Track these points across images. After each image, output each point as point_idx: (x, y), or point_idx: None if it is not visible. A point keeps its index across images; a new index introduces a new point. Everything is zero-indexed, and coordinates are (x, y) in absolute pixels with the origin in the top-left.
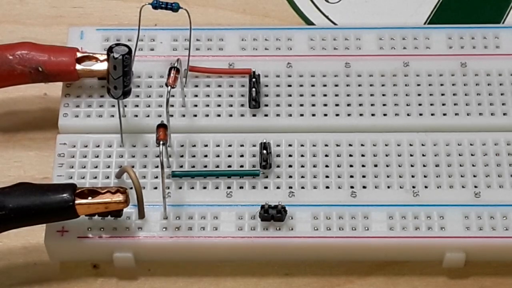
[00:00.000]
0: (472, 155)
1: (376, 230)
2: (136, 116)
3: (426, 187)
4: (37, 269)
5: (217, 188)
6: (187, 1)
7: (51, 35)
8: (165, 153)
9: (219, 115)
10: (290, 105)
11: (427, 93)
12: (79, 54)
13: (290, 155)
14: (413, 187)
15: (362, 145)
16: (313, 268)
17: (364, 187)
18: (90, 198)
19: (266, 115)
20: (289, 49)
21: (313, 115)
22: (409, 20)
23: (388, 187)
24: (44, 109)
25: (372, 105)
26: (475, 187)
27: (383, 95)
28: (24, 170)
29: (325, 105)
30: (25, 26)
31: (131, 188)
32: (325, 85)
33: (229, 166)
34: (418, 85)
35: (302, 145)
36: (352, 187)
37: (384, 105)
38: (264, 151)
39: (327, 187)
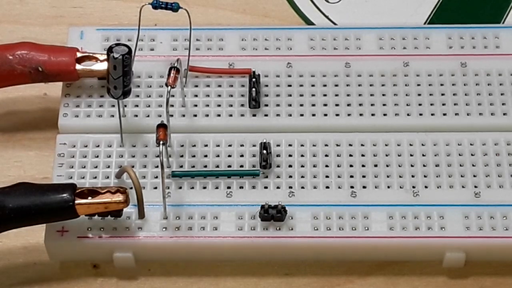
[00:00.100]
0: (472, 155)
1: (376, 230)
2: (136, 116)
3: (426, 187)
4: (37, 269)
5: (217, 188)
6: (187, 1)
7: (51, 35)
8: (165, 153)
9: (219, 115)
10: (290, 105)
11: (427, 93)
12: (79, 54)
13: (290, 155)
14: (413, 187)
15: (362, 145)
16: (313, 268)
17: (364, 187)
18: (90, 198)
19: (266, 115)
20: (289, 49)
21: (313, 115)
22: (409, 20)
23: (388, 187)
24: (44, 109)
25: (372, 105)
26: (475, 187)
27: (383, 95)
28: (24, 170)
29: (325, 105)
30: (25, 26)
31: (131, 188)
32: (325, 85)
33: (229, 166)
34: (418, 85)
35: (302, 145)
36: (352, 187)
37: (384, 105)
38: (264, 151)
39: (327, 187)
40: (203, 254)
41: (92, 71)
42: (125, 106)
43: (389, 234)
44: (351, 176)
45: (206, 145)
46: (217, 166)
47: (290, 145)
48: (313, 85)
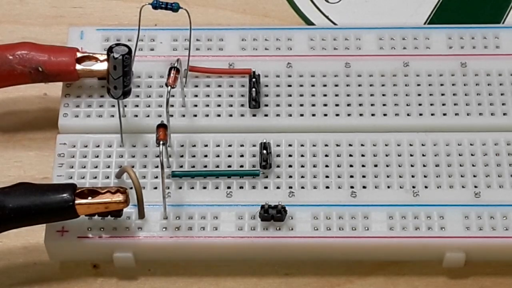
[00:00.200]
0: (472, 155)
1: (376, 230)
2: (136, 116)
3: (426, 187)
4: (37, 269)
5: (217, 188)
6: (187, 1)
7: (51, 35)
8: (165, 153)
9: (219, 115)
10: (290, 105)
11: (427, 93)
12: (79, 54)
13: (290, 155)
14: (413, 187)
15: (362, 145)
16: (313, 268)
17: (364, 187)
18: (90, 198)
19: (266, 115)
20: (289, 49)
21: (313, 115)
22: (409, 20)
23: (388, 187)
24: (44, 109)
25: (372, 105)
26: (475, 187)
27: (383, 95)
28: (24, 170)
29: (325, 105)
30: (25, 26)
31: (131, 188)
32: (325, 85)
33: (229, 166)
34: (418, 85)
35: (302, 145)
36: (352, 187)
37: (384, 105)
38: (264, 151)
39: (327, 187)
40: (203, 254)
41: (92, 71)
42: (125, 106)
43: (389, 234)
44: (351, 176)
45: (206, 145)
46: (217, 166)
47: (290, 145)
48: (313, 85)
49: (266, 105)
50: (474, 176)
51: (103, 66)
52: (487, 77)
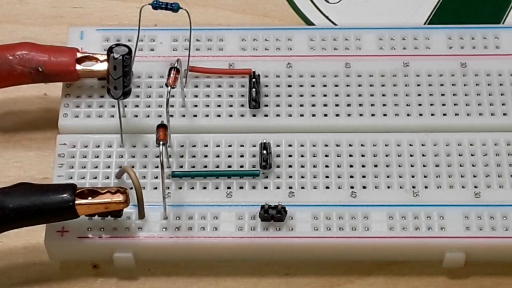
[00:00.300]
0: (472, 155)
1: (376, 230)
2: (136, 116)
3: (426, 187)
4: (37, 269)
5: (217, 188)
6: (187, 1)
7: (51, 35)
8: (165, 153)
9: (219, 115)
10: (290, 105)
11: (427, 93)
12: (79, 54)
13: (290, 155)
14: (413, 187)
15: (362, 145)
16: (313, 268)
17: (364, 187)
18: (90, 198)
19: (266, 115)
20: (289, 49)
21: (313, 115)
22: (409, 20)
23: (388, 187)
24: (44, 109)
25: (372, 105)
26: (475, 187)
27: (383, 95)
28: (24, 170)
29: (325, 105)
30: (25, 26)
31: (131, 188)
32: (325, 85)
33: (229, 166)
34: (418, 85)
35: (302, 145)
36: (352, 187)
37: (384, 105)
38: (264, 151)
39: (327, 187)
40: (203, 254)
41: (92, 72)
42: (125, 106)
43: (389, 234)
44: (351, 176)
45: (206, 145)
46: (217, 166)
47: (290, 145)
48: (313, 85)
49: (266, 105)
50: (474, 176)
51: (103, 66)
52: (487, 77)
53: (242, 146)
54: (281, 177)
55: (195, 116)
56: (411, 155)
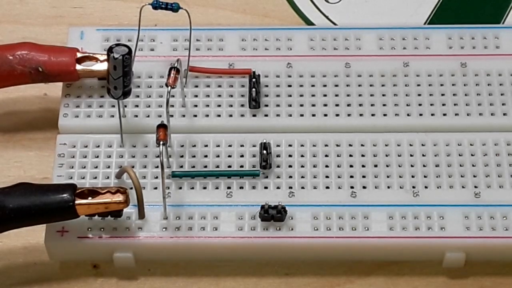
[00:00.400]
0: (472, 155)
1: (376, 230)
2: (136, 116)
3: (426, 187)
4: (37, 269)
5: (217, 188)
6: (187, 1)
7: (51, 35)
8: (165, 153)
9: (219, 115)
10: (290, 105)
11: (427, 93)
12: (79, 54)
13: (290, 155)
14: (413, 187)
15: (362, 145)
16: (313, 268)
17: (364, 187)
18: (90, 198)
19: (266, 115)
20: (289, 49)
21: (313, 115)
22: (409, 20)
23: (388, 187)
24: (44, 109)
25: (372, 105)
26: (475, 187)
27: (383, 95)
28: (24, 170)
29: (325, 105)
30: (25, 26)
31: (131, 188)
32: (325, 85)
33: (229, 166)
34: (418, 85)
35: (302, 145)
36: (352, 187)
37: (384, 105)
38: (264, 151)
39: (327, 187)
40: (203, 254)
41: (92, 71)
42: (125, 106)
43: (389, 234)
44: (351, 176)
45: (206, 145)
46: (217, 166)
47: (290, 145)
48: (313, 85)
49: (266, 105)
50: (474, 176)
51: (103, 66)
52: (487, 77)
53: (242, 146)
54: (281, 177)
55: (195, 116)
56: (411, 155)
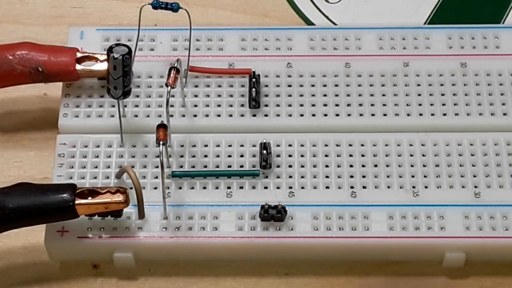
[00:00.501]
0: (472, 155)
1: (376, 230)
2: (136, 116)
3: (426, 187)
4: (37, 269)
5: (217, 188)
6: (187, 1)
7: (51, 35)
8: (165, 153)
9: (219, 115)
10: (290, 105)
11: (427, 93)
12: (79, 54)
13: (290, 155)
14: (413, 187)
15: (362, 145)
16: (313, 268)
17: (364, 187)
18: (90, 198)
19: (266, 115)
20: (289, 49)
21: (313, 115)
22: (409, 20)
23: (388, 187)
24: (44, 109)
25: (372, 105)
26: (475, 187)
27: (383, 95)
28: (24, 170)
29: (325, 105)
30: (25, 26)
31: (131, 188)
32: (325, 85)
33: (229, 166)
34: (418, 85)
35: (302, 145)
36: (352, 187)
37: (384, 105)
38: (264, 151)
39: (327, 187)
40: (203, 254)
41: (92, 71)
42: (125, 106)
43: (389, 234)
44: (351, 176)
45: (206, 145)
46: (217, 166)
47: (290, 145)
48: (313, 85)
49: (266, 105)
50: (474, 176)
51: (103, 66)
52: (487, 77)
53: (242, 146)
54: (281, 177)
55: (195, 116)
56: (411, 155)
